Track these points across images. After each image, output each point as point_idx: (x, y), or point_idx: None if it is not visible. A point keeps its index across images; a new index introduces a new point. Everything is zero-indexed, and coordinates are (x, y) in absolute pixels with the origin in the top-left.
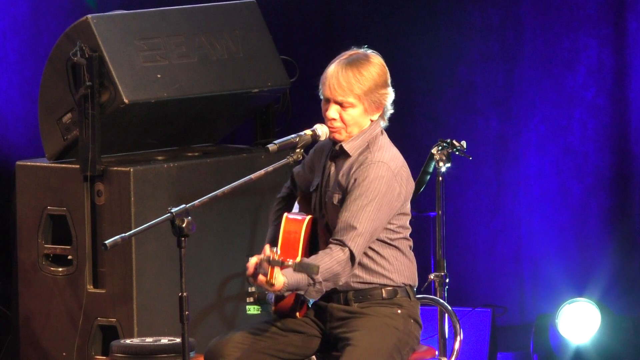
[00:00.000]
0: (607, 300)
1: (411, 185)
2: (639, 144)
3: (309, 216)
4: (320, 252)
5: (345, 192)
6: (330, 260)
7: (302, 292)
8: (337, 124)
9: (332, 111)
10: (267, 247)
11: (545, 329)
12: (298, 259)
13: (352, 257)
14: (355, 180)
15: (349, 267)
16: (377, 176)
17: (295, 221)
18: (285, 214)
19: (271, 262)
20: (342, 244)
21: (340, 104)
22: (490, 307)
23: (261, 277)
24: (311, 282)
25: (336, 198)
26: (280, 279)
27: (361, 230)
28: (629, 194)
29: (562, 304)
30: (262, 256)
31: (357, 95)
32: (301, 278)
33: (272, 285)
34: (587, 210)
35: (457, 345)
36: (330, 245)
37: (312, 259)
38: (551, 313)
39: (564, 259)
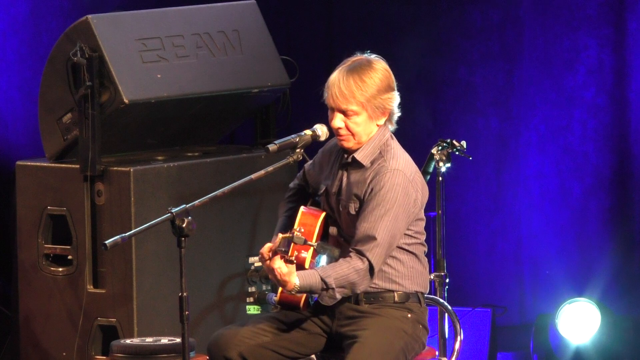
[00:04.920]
0: (607, 300)
1: (426, 191)
2: (639, 144)
3: (324, 213)
4: (340, 259)
5: (362, 202)
6: (347, 267)
7: (315, 295)
8: (344, 132)
9: (337, 120)
10: (280, 234)
11: (545, 329)
12: (311, 251)
13: (371, 268)
14: (372, 189)
15: (368, 277)
16: (394, 184)
17: (311, 215)
18: (302, 208)
19: (295, 239)
20: (362, 254)
21: (344, 113)
22: (490, 307)
23: (277, 263)
24: (324, 287)
25: (352, 208)
26: (293, 279)
27: (380, 240)
28: (629, 194)
29: (562, 304)
30: (276, 243)
31: (359, 102)
32: (314, 283)
33: (292, 262)
34: (587, 210)
35: (457, 345)
36: (351, 254)
37: (331, 265)
38: (551, 313)
39: (564, 259)
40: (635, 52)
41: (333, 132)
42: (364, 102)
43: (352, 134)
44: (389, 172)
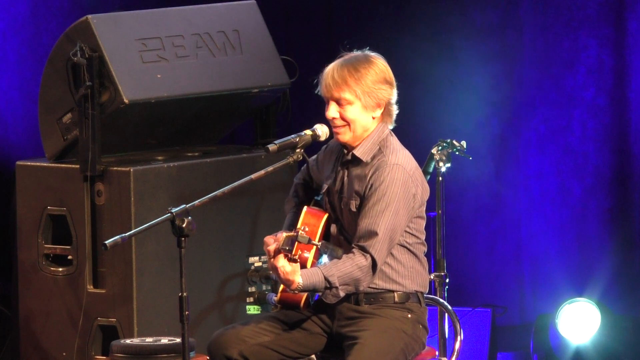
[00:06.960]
0: (607, 300)
1: (426, 187)
2: (639, 144)
3: (327, 214)
4: (343, 256)
5: (363, 199)
6: (351, 265)
7: (316, 294)
8: (339, 122)
9: (331, 110)
10: (283, 233)
11: (545, 329)
12: (314, 250)
13: (374, 264)
14: (372, 185)
15: (370, 273)
16: (393, 179)
17: (315, 215)
18: (306, 207)
19: (299, 238)
20: (365, 250)
21: (338, 102)
22: (490, 307)
23: (281, 262)
24: (328, 285)
25: (353, 204)
26: (297, 278)
27: (381, 235)
28: (629, 194)
29: (562, 304)
30: (280, 240)
31: (352, 90)
32: (317, 282)
33: (295, 261)
34: (587, 210)
35: (457, 345)
36: (353, 250)
37: (334, 263)
38: (551, 313)
39: (564, 259)
40: (635, 52)
41: (333, 132)
42: (357, 90)
43: (348, 124)
44: (389, 167)
